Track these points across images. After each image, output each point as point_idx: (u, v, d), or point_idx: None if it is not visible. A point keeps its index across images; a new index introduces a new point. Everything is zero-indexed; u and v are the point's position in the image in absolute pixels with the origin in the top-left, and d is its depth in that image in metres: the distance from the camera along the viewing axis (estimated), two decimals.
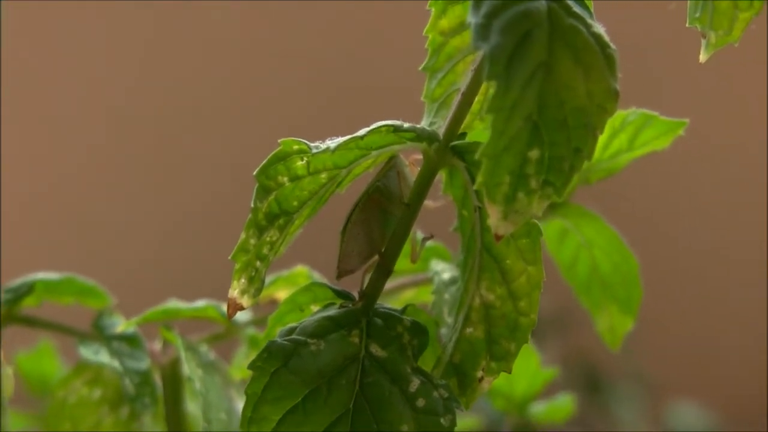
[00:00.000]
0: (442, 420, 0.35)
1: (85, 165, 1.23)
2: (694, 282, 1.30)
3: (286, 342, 0.36)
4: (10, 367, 0.46)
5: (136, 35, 1.22)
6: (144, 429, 0.48)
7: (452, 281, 0.42)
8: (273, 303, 0.47)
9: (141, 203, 1.24)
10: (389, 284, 0.40)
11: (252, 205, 0.36)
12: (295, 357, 0.36)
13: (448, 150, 0.37)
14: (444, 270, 0.42)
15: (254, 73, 1.24)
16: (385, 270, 0.38)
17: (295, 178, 0.36)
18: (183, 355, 0.44)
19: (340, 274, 0.39)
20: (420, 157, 0.38)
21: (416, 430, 0.35)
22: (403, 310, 0.38)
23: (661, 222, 1.27)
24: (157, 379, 0.47)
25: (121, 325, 0.47)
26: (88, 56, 1.21)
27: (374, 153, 0.37)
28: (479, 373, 0.37)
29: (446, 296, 0.41)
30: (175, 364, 0.48)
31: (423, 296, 0.47)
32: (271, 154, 0.36)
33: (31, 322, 0.48)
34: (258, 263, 0.36)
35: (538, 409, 0.53)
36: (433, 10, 0.39)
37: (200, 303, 0.48)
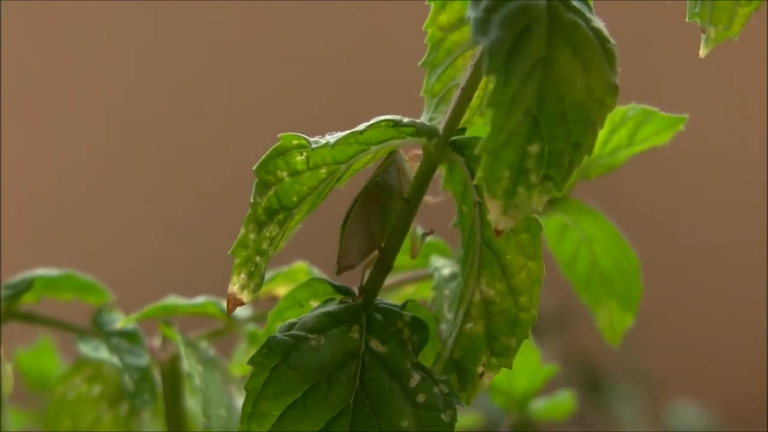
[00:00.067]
0: (442, 415, 0.35)
1: (85, 165, 1.23)
2: (694, 280, 1.29)
3: (286, 337, 0.36)
4: (9, 364, 0.46)
5: (135, 35, 1.22)
6: (143, 426, 0.48)
7: (452, 277, 0.42)
8: (273, 299, 0.47)
9: (141, 202, 1.24)
10: (389, 280, 0.40)
11: (251, 200, 0.36)
12: (295, 352, 0.36)
13: (448, 145, 0.37)
14: (444, 266, 0.42)
15: (254, 72, 1.24)
16: (384, 265, 0.38)
17: (294, 173, 0.36)
18: (183, 351, 0.44)
19: (340, 269, 0.39)
20: (420, 152, 0.38)
21: (417, 426, 0.35)
22: (403, 306, 0.38)
23: (661, 218, 1.27)
24: (157, 375, 0.47)
25: (120, 321, 0.47)
26: (88, 56, 1.21)
27: (374, 148, 0.37)
28: (479, 369, 0.37)
29: (446, 292, 0.41)
30: (174, 361, 0.48)
31: (423, 292, 0.47)
32: (270, 149, 0.36)
33: (30, 318, 0.48)
34: (258, 258, 0.36)
35: (538, 406, 0.53)
36: (432, 5, 0.39)
37: (200, 299, 0.48)
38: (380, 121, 0.36)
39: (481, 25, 0.31)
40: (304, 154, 0.36)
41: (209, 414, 0.42)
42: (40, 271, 0.48)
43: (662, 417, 1.15)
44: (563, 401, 0.54)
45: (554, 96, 0.32)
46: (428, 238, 0.42)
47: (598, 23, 0.33)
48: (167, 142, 1.24)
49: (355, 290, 0.38)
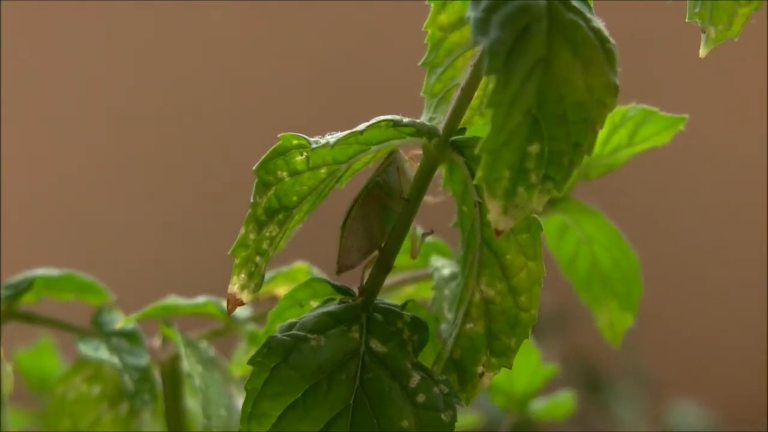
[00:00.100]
0: (442, 415, 0.35)
1: (85, 165, 1.23)
2: (694, 280, 1.29)
3: (286, 337, 0.36)
4: (9, 364, 0.46)
5: (135, 35, 1.22)
6: (143, 426, 0.48)
7: (452, 277, 0.42)
8: (272, 299, 0.47)
9: (141, 202, 1.24)
10: (389, 280, 0.40)
11: (251, 200, 0.36)
12: (295, 352, 0.36)
13: (448, 145, 0.37)
14: (444, 266, 0.42)
15: (254, 73, 1.24)
16: (384, 265, 0.38)
17: (294, 173, 0.36)
18: (183, 351, 0.44)
19: (340, 269, 0.39)
20: (420, 152, 0.38)
21: (417, 426, 0.35)
22: (403, 306, 0.38)
23: (661, 218, 1.27)
24: (157, 375, 0.47)
25: (120, 321, 0.47)
26: (88, 56, 1.21)
27: (374, 148, 0.37)
28: (479, 369, 0.37)
29: (446, 292, 0.41)
30: (174, 361, 0.48)
31: (423, 292, 0.47)
32: (270, 149, 0.36)
33: (30, 318, 0.48)
34: (258, 258, 0.36)
35: (539, 406, 0.53)
36: (432, 5, 0.39)
37: (200, 299, 0.48)
38: (380, 121, 0.36)
39: (481, 25, 0.31)
40: (304, 154, 0.36)
41: (209, 414, 0.42)
42: (40, 271, 0.48)
43: (662, 417, 1.15)
44: (563, 401, 0.54)
45: (554, 96, 0.32)
46: (428, 238, 0.42)
47: (598, 23, 0.33)
48: (167, 142, 1.24)
49: (355, 290, 0.38)
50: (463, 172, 0.37)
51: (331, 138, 0.36)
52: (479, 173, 0.32)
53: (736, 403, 1.18)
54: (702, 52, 0.38)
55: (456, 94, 0.37)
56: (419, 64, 0.40)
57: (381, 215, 0.38)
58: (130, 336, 0.47)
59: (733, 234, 1.28)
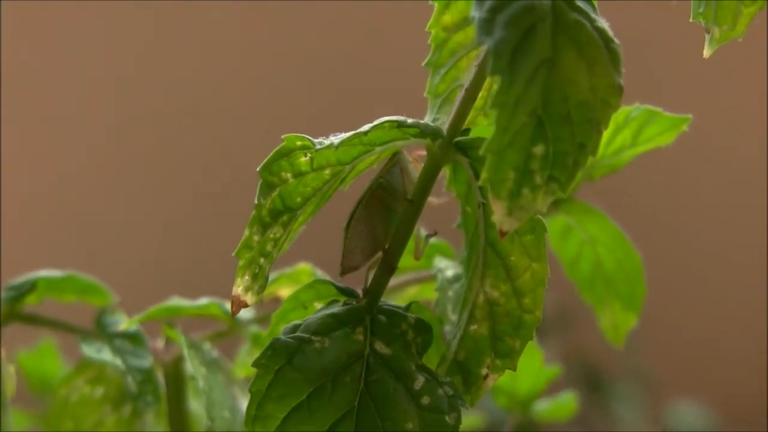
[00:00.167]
0: (447, 418, 0.35)
1: (85, 165, 1.23)
2: (695, 280, 1.29)
3: (290, 339, 0.36)
4: (11, 366, 0.46)
5: (136, 35, 1.22)
6: (146, 427, 0.48)
7: (456, 278, 0.41)
8: (276, 300, 0.47)
9: (141, 203, 1.24)
10: (392, 281, 0.40)
11: (255, 202, 0.36)
12: (299, 354, 0.36)
13: (452, 146, 0.37)
14: (447, 267, 0.42)
15: (254, 73, 1.24)
16: (388, 267, 0.38)
17: (298, 175, 0.36)
18: (186, 352, 0.44)
19: (344, 271, 0.39)
20: (423, 153, 0.38)
21: (421, 428, 0.35)
22: (408, 308, 0.38)
23: (664, 219, 1.27)
24: (160, 377, 0.47)
25: (123, 323, 0.47)
26: (88, 56, 1.21)
27: (378, 149, 0.37)
28: (484, 371, 0.37)
29: (450, 293, 0.41)
30: (177, 362, 0.48)
31: (426, 293, 0.46)
32: (274, 150, 0.36)
33: (33, 320, 0.48)
34: (262, 260, 0.36)
35: (541, 407, 0.53)
36: (436, 5, 0.39)
37: (203, 301, 0.48)
38: (384, 122, 0.36)
39: (486, 26, 0.31)
40: (309, 155, 0.36)
41: (213, 416, 0.42)
42: (43, 273, 0.48)
43: (662, 417, 1.15)
44: (566, 402, 0.54)
45: (559, 97, 0.32)
46: (432, 240, 0.42)
47: (603, 23, 0.33)
48: (167, 142, 1.24)
49: (359, 292, 0.38)
50: (467, 173, 0.37)
51: (336, 139, 0.35)
52: (484, 174, 0.31)
53: (736, 403, 1.18)
54: (706, 53, 0.38)
55: (460, 94, 0.37)
56: (423, 64, 0.40)
57: (385, 216, 0.38)
58: (133, 337, 0.47)
59: (734, 235, 1.28)
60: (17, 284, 0.47)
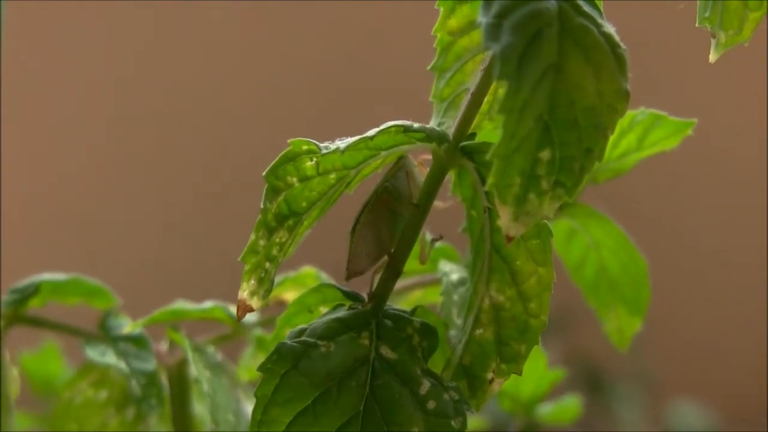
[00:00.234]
0: (452, 422, 0.35)
1: (85, 165, 1.23)
2: (697, 282, 1.29)
3: (295, 344, 0.36)
4: (15, 368, 0.46)
5: (136, 36, 1.22)
6: (150, 430, 0.48)
7: (461, 282, 0.41)
8: (280, 304, 0.47)
9: (141, 203, 1.24)
10: (397, 285, 0.40)
11: (261, 206, 0.36)
12: (304, 359, 0.36)
13: (458, 150, 0.37)
14: (453, 271, 0.42)
15: (254, 73, 1.24)
16: (394, 271, 0.38)
17: (304, 179, 0.36)
18: (190, 356, 0.44)
19: (349, 275, 0.38)
20: (429, 157, 0.37)
21: None
22: (413, 312, 0.38)
23: (669, 222, 1.27)
24: (164, 380, 0.47)
25: (127, 326, 0.47)
26: (88, 56, 1.21)
27: (383, 153, 0.37)
28: (489, 375, 0.37)
29: (455, 297, 0.41)
30: (182, 366, 0.48)
31: (431, 297, 0.46)
32: (280, 155, 0.36)
33: (37, 322, 0.48)
34: (267, 264, 0.36)
35: (545, 410, 0.53)
36: (441, 9, 0.39)
37: (207, 304, 0.48)
38: (390, 127, 0.36)
39: (493, 30, 0.31)
40: (314, 159, 0.36)
41: (217, 419, 0.42)
42: (47, 276, 0.48)
43: (663, 417, 1.15)
44: (570, 405, 0.54)
45: (565, 102, 0.32)
46: (437, 244, 0.42)
47: (609, 28, 0.33)
48: (167, 142, 1.24)
49: (365, 296, 0.38)
50: (472, 178, 0.37)
51: (342, 143, 0.35)
52: (490, 179, 0.31)
53: (736, 403, 1.18)
54: (712, 57, 0.38)
55: (466, 99, 0.37)
56: (428, 68, 0.40)
57: (390, 221, 0.38)
58: (137, 340, 0.47)
59: (734, 237, 1.28)
60: (21, 287, 0.47)
